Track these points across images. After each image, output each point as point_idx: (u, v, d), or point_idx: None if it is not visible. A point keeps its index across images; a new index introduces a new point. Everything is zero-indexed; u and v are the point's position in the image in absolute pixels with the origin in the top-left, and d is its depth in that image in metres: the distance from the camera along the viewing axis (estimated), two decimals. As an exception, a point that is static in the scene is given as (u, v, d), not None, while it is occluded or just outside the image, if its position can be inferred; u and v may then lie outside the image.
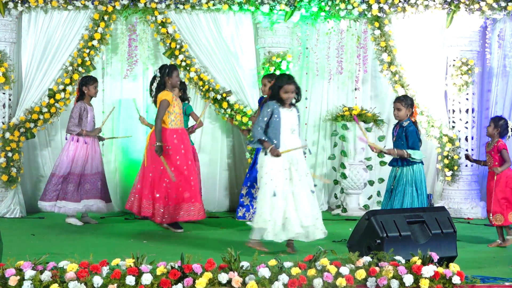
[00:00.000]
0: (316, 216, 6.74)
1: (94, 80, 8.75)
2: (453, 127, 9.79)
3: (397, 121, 7.40)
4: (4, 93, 9.36)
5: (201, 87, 9.49)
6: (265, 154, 6.72)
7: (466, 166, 9.79)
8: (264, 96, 8.51)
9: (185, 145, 8.13)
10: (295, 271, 4.97)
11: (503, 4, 9.49)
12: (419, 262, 5.16)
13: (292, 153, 6.70)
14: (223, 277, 4.88)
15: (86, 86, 8.68)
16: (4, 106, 9.36)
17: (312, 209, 6.71)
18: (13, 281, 4.78)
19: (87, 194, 8.65)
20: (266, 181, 6.66)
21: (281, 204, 6.62)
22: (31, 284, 4.77)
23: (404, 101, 7.25)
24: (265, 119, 6.68)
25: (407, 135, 7.16)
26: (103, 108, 9.89)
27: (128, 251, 5.52)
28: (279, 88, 6.69)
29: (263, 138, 6.68)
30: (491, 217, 7.40)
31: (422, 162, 7.26)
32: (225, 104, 9.46)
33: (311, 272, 4.99)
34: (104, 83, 9.88)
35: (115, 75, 9.91)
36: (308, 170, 6.95)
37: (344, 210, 9.89)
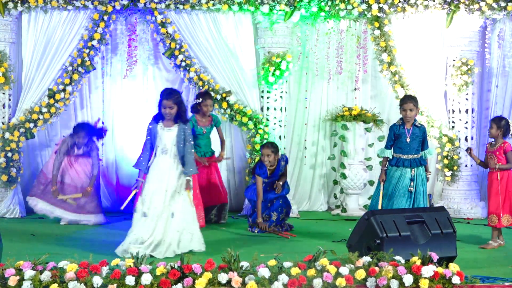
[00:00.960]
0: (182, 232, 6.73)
1: None
2: (453, 127, 9.79)
3: (399, 121, 7.47)
4: (4, 93, 9.35)
5: (200, 87, 9.49)
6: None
7: (466, 166, 9.79)
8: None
9: None
10: (295, 271, 4.98)
11: (502, 4, 9.48)
12: (418, 262, 5.16)
13: (160, 172, 6.70)
14: (222, 277, 4.89)
15: None
16: (4, 106, 9.36)
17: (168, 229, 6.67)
18: (12, 281, 4.79)
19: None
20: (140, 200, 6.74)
21: (149, 224, 6.63)
22: (30, 284, 4.77)
23: (415, 101, 7.37)
24: (148, 138, 6.81)
25: (425, 138, 7.45)
26: (103, 107, 9.91)
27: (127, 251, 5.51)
28: (160, 103, 6.75)
29: (141, 159, 6.80)
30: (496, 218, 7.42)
31: None
32: (224, 104, 9.47)
33: (311, 272, 5.00)
34: (104, 83, 9.89)
35: (114, 75, 9.92)
36: (179, 191, 6.76)
37: (344, 210, 9.89)
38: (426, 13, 9.60)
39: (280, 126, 9.74)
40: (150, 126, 6.83)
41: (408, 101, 7.35)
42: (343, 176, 9.87)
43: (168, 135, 6.73)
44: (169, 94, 6.73)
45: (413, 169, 7.34)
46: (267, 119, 9.63)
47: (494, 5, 9.46)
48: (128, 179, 9.75)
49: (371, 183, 9.98)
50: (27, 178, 9.73)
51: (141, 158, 6.81)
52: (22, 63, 9.54)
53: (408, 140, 7.36)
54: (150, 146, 6.80)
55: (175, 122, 6.75)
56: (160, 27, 9.41)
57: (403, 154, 7.38)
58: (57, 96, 9.25)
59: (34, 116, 9.20)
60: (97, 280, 4.79)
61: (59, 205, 8.68)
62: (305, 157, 10.34)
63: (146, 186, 6.72)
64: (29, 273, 4.83)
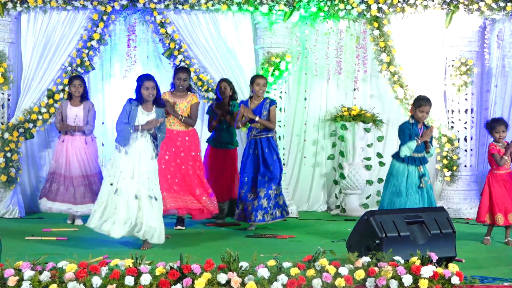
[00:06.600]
0: (149, 222, 6.84)
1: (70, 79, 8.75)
2: (452, 127, 9.80)
3: (410, 121, 7.46)
4: (3, 93, 9.36)
5: (200, 87, 9.50)
6: (119, 151, 6.86)
7: (465, 166, 9.80)
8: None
9: (167, 147, 8.19)
10: (294, 271, 4.98)
11: (502, 4, 9.49)
12: (418, 262, 5.16)
13: (138, 154, 6.83)
14: (222, 278, 4.88)
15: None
16: (3, 106, 9.36)
17: (145, 213, 6.80)
18: (12, 281, 4.78)
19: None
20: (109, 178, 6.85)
21: (121, 202, 6.76)
22: (30, 284, 4.77)
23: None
24: (126, 116, 6.82)
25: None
26: (103, 108, 9.91)
27: (127, 252, 5.52)
28: (141, 86, 6.80)
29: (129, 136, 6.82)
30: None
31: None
32: (224, 104, 9.47)
33: (310, 272, 4.99)
34: (103, 84, 9.90)
35: (114, 76, 9.92)
36: (149, 175, 6.89)
37: (343, 210, 9.90)
38: (425, 13, 9.61)
39: (280, 126, 9.74)
40: (128, 105, 6.84)
41: (428, 104, 7.36)
42: (342, 176, 9.88)
43: (147, 119, 6.84)
44: (150, 77, 6.86)
45: (420, 166, 7.35)
46: (267, 119, 9.62)
47: (493, 5, 9.47)
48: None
49: (370, 182, 9.98)
50: (26, 178, 9.73)
51: (126, 128, 6.81)
52: (21, 63, 9.55)
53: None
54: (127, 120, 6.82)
55: (152, 104, 6.88)
56: (159, 27, 9.42)
57: (414, 153, 7.37)
58: (56, 96, 9.25)
59: (33, 116, 9.20)
60: (96, 281, 4.78)
61: (59, 199, 8.60)
62: (305, 157, 10.34)
63: (122, 167, 6.79)
64: (28, 273, 4.82)
